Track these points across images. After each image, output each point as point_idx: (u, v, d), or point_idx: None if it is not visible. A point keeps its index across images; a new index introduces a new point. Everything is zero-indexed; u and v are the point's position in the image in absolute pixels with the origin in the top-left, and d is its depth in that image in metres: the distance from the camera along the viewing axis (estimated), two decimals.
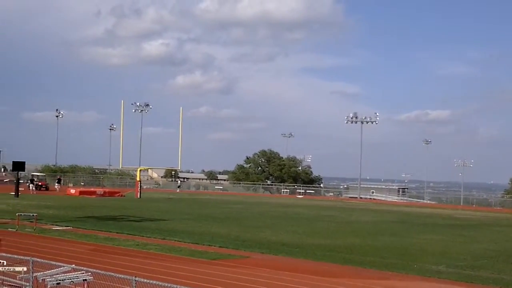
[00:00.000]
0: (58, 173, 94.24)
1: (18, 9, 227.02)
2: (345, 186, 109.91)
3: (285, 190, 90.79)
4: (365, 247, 25.12)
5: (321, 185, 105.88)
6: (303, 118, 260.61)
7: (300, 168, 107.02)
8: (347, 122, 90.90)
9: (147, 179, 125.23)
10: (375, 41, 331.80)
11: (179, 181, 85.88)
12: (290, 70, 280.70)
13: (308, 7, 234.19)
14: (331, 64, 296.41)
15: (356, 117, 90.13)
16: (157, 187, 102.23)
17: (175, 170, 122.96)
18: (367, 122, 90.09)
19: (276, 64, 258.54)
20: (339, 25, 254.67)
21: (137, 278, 9.54)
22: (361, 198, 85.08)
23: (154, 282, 9.52)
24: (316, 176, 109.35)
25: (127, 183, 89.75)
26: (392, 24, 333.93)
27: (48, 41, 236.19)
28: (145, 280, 9.55)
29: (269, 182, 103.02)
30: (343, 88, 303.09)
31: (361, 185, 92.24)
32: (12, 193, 52.20)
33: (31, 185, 63.30)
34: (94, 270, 10.93)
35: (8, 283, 12.31)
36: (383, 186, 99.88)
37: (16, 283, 12.00)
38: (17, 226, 25.88)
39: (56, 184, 70.01)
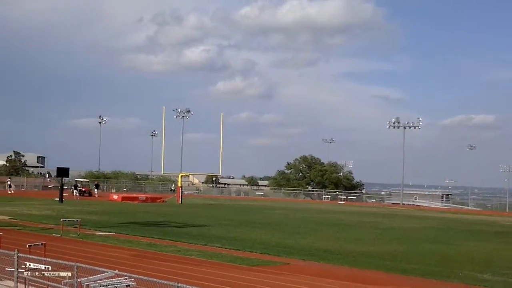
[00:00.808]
0: (101, 179, 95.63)
1: (65, 20, 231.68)
2: (387, 192, 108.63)
3: (326, 196, 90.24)
4: (409, 254, 24.74)
5: (363, 191, 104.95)
6: (344, 123, 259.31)
7: (341, 174, 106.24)
8: (389, 127, 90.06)
9: (188, 185, 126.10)
10: (418, 45, 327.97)
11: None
12: (331, 75, 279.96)
13: (349, 12, 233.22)
14: (372, 68, 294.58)
15: (399, 122, 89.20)
16: (198, 193, 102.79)
17: (216, 176, 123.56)
18: (410, 127, 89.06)
19: (317, 69, 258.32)
20: (381, 30, 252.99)
21: (179, 284, 9.54)
22: (403, 204, 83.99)
23: None
24: (358, 182, 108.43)
25: (169, 189, 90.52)
26: (435, 28, 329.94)
27: (93, 49, 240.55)
28: (188, 286, 9.53)
29: (310, 188, 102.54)
30: (385, 93, 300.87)
31: (404, 191, 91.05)
32: (56, 199, 53.07)
33: (74, 191, 64.30)
34: (137, 276, 10.98)
35: None
36: (426, 192, 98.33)
37: None
38: (61, 232, 26.28)
39: (95, 190, 71.04)
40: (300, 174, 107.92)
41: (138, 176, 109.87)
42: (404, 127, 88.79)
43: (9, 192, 68.64)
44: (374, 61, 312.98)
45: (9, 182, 74.10)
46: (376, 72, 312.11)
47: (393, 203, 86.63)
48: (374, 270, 20.00)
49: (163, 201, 63.83)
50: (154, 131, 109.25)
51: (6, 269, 13.25)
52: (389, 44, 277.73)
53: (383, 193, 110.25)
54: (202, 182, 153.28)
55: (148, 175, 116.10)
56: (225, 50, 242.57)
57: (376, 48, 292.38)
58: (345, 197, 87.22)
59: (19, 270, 12.41)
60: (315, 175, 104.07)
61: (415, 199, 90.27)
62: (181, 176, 68.90)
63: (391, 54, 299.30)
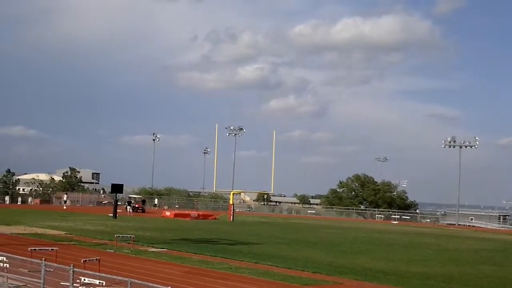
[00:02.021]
0: (154, 195, 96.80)
1: (121, 39, 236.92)
2: (443, 212, 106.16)
3: (379, 215, 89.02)
4: (464, 276, 24.07)
5: (417, 211, 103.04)
6: (398, 142, 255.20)
7: (395, 193, 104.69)
8: (444, 146, 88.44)
9: (240, 202, 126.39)
10: (475, 63, 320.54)
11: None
12: (385, 93, 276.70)
13: (404, 29, 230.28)
14: (428, 86, 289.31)
15: (454, 141, 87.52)
16: (249, 210, 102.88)
17: (268, 194, 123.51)
18: (466, 147, 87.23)
19: (371, 87, 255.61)
20: (437, 47, 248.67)
21: None
22: (459, 225, 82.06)
23: None
24: (412, 202, 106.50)
25: (220, 206, 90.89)
26: (492, 45, 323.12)
27: (148, 67, 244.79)
28: None
29: (362, 207, 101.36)
30: (440, 111, 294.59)
31: (459, 212, 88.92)
32: (110, 215, 53.88)
33: (128, 207, 65.18)
34: None
35: None
36: (483, 213, 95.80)
37: None
38: (115, 247, 26.61)
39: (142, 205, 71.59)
40: (353, 193, 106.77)
41: (190, 193, 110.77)
42: (460, 146, 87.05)
43: (64, 207, 70.17)
44: (430, 79, 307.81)
45: (65, 198, 75.85)
46: (432, 90, 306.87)
47: (448, 224, 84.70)
48: None
49: (214, 218, 64.06)
50: (206, 148, 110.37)
51: (61, 283, 13.48)
52: (445, 61, 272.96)
53: (438, 213, 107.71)
54: (254, 200, 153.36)
55: (200, 192, 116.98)
56: (278, 68, 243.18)
57: (432, 65, 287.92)
58: (398, 216, 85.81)
59: (74, 284, 12.59)
60: (368, 194, 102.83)
61: (471, 219, 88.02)
62: (233, 193, 69.09)
63: (448, 72, 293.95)
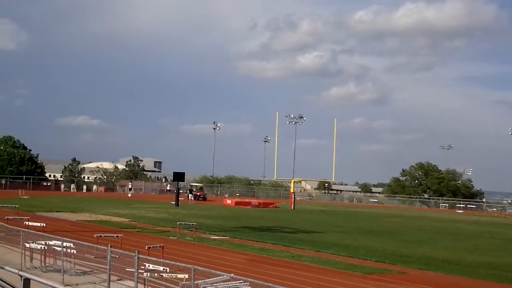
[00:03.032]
0: (215, 183, 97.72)
1: (181, 28, 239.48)
2: (510, 201, 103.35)
3: (443, 204, 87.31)
4: None
5: (483, 200, 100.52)
6: (463, 129, 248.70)
7: (460, 181, 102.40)
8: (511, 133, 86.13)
9: (300, 190, 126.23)
10: None
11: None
12: (448, 79, 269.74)
13: (469, 14, 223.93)
14: (493, 72, 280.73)
15: None
16: (310, 199, 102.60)
17: (329, 182, 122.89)
18: None
19: (434, 73, 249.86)
20: (504, 32, 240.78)
21: None
22: None
23: None
24: (478, 190, 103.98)
25: (281, 195, 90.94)
26: None
27: (208, 56, 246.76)
28: None
29: (426, 195, 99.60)
30: (506, 98, 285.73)
31: None
32: (172, 203, 54.59)
33: (190, 195, 65.90)
34: (252, 280, 10.95)
35: None
36: None
37: None
38: (177, 235, 26.94)
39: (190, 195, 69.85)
40: (416, 181, 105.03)
41: (251, 182, 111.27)
42: None
43: (129, 195, 71.59)
44: (495, 65, 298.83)
45: (130, 186, 77.43)
46: (498, 76, 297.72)
47: None
48: (495, 282, 18.98)
49: (275, 206, 64.13)
50: (267, 136, 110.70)
51: (126, 269, 13.69)
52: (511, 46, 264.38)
53: (504, 202, 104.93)
54: (314, 188, 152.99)
55: (261, 180, 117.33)
56: (338, 55, 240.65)
57: (498, 51, 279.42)
58: (464, 205, 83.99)
59: (138, 271, 12.76)
60: (432, 183, 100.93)
61: None
62: (294, 182, 68.95)
63: None
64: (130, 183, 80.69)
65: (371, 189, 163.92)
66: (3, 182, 74.16)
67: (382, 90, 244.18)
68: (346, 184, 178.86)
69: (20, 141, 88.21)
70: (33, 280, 11.75)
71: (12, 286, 12.15)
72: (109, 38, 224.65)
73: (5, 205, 34.26)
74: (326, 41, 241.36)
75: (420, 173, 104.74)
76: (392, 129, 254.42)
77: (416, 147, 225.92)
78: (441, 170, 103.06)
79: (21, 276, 11.91)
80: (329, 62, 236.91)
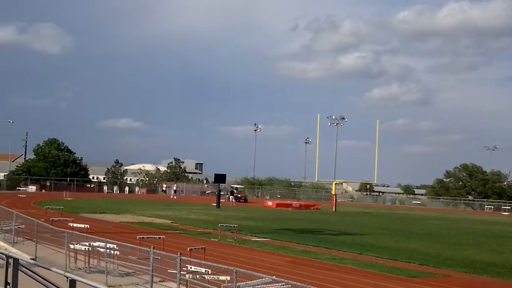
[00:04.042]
0: (255, 185, 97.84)
1: (223, 30, 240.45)
2: None
3: (488, 206, 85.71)
4: None
5: None
6: (508, 130, 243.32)
7: (505, 183, 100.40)
8: None
9: (342, 192, 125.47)
10: None
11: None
12: (494, 80, 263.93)
13: None
14: None
15: None
16: (351, 200, 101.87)
17: (370, 184, 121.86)
18: None
19: (479, 73, 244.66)
20: None
21: None
22: None
23: None
24: None
25: (322, 196, 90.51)
26: None
27: (249, 58, 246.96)
28: None
29: (470, 197, 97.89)
30: None
31: None
32: (213, 204, 54.85)
33: (231, 197, 66.10)
34: (294, 283, 10.85)
35: None
36: None
37: None
38: (219, 236, 26.99)
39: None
40: (460, 183, 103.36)
41: (292, 183, 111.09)
42: None
43: (173, 197, 72.23)
44: None
45: (174, 187, 78.21)
46: None
47: None
48: None
49: (317, 208, 63.87)
50: (307, 138, 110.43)
51: (168, 271, 13.75)
52: None
53: None
54: (356, 190, 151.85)
55: (302, 182, 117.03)
56: (381, 56, 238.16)
57: None
58: (509, 207, 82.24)
59: (181, 272, 12.79)
60: (477, 184, 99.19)
61: None
62: (335, 183, 68.56)
63: None
64: (175, 184, 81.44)
65: (414, 191, 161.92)
66: (48, 184, 75.72)
67: (426, 91, 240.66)
68: (388, 186, 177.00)
69: (64, 144, 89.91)
70: (78, 281, 11.87)
71: (57, 287, 12.31)
72: (151, 41, 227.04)
73: (50, 207, 34.87)
74: (369, 42, 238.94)
75: (464, 174, 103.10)
76: (435, 130, 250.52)
77: (460, 148, 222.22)
78: (486, 172, 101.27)
79: (67, 277, 12.03)
80: (371, 62, 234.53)
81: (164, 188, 77.13)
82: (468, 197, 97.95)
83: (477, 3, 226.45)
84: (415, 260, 22.58)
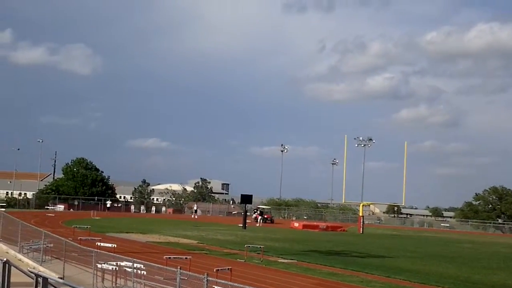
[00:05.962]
0: (282, 206, 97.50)
1: (251, 52, 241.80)
2: None
3: None
4: None
5: None
6: None
7: None
8: None
9: (369, 214, 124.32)
10: None
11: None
12: None
13: None
14: None
15: None
16: (379, 222, 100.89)
17: (398, 206, 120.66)
18: None
19: (509, 95, 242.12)
20: None
21: None
22: None
23: None
24: None
25: (349, 218, 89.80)
26: None
27: (276, 79, 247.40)
28: None
29: (500, 220, 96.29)
30: None
31: None
32: (240, 225, 54.75)
33: (259, 218, 65.92)
34: None
35: None
36: None
37: None
38: (245, 257, 26.90)
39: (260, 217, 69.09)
40: (490, 206, 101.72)
41: (318, 204, 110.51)
42: None
43: (194, 217, 72.31)
44: None
45: (195, 207, 78.26)
46: None
47: None
48: None
49: (343, 230, 63.36)
50: (334, 159, 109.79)
51: None
52: None
53: None
54: (383, 212, 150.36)
55: (329, 203, 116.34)
56: (409, 77, 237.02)
57: None
58: None
59: None
60: (507, 207, 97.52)
61: None
62: (362, 205, 68.01)
63: None
64: (195, 204, 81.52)
65: (443, 214, 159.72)
66: (76, 203, 76.41)
67: (455, 112, 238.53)
68: (416, 208, 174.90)
69: (93, 163, 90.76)
70: None
71: None
72: (178, 60, 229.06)
73: (77, 226, 35.14)
74: (397, 63, 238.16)
75: (494, 197, 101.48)
76: (465, 152, 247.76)
77: (490, 171, 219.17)
78: None
79: None
80: (399, 84, 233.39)
81: (195, 208, 77.20)
82: (498, 220, 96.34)
83: (507, 24, 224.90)
84: (444, 284, 22.23)
